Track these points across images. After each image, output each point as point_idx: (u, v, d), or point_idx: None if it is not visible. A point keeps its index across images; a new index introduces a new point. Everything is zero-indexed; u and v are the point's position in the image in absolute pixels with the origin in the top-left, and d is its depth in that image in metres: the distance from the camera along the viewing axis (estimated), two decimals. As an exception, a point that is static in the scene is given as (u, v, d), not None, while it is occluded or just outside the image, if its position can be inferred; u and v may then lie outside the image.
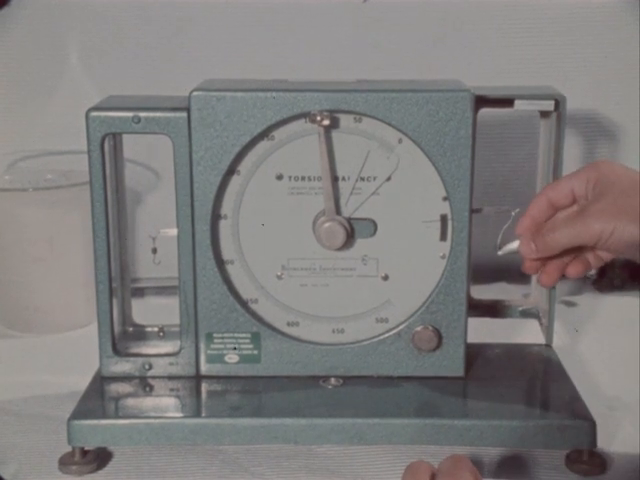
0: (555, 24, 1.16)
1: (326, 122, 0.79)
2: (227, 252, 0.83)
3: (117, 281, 0.87)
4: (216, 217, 0.82)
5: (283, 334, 0.85)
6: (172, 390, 0.84)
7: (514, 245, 0.81)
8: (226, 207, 0.82)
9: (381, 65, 1.13)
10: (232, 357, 0.85)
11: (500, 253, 0.81)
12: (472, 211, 0.81)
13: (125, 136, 0.86)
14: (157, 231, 0.84)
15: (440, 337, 0.83)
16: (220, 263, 0.83)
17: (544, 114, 0.85)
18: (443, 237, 0.83)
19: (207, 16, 1.14)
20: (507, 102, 0.81)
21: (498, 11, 1.16)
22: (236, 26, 1.14)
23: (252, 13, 1.14)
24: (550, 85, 0.85)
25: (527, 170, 1.08)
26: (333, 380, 0.84)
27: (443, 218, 0.82)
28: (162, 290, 1.15)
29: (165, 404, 0.83)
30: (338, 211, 0.82)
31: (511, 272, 1.13)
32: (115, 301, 0.85)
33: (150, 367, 0.85)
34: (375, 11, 1.14)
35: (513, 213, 0.83)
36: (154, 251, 0.84)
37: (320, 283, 0.84)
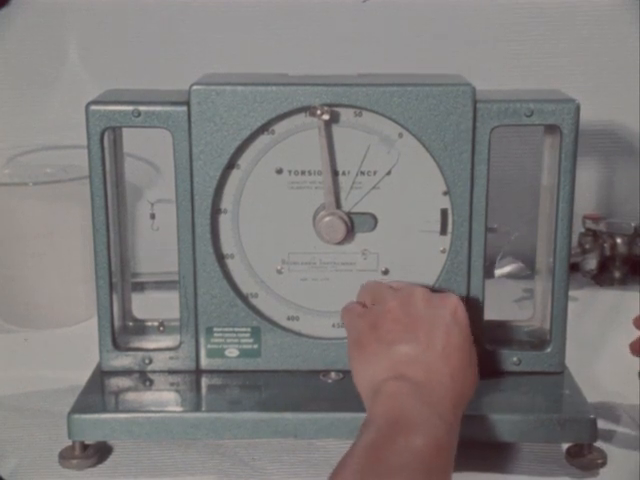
0: (554, 23, 1.16)
1: (326, 116, 0.78)
2: (227, 246, 0.83)
3: (117, 276, 0.87)
4: (216, 211, 0.82)
5: (283, 328, 0.85)
6: (172, 384, 0.84)
7: (509, 268, 0.81)
8: (226, 201, 0.82)
9: (382, 60, 1.13)
10: (232, 351, 0.85)
11: (496, 275, 0.81)
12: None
13: (125, 130, 0.86)
14: (155, 198, 0.84)
15: (440, 331, 0.83)
16: (220, 257, 0.83)
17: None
18: (443, 231, 0.83)
19: (207, 10, 1.14)
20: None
21: (498, 9, 1.16)
22: (236, 20, 1.14)
23: (252, 7, 1.14)
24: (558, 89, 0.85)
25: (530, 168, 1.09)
26: (333, 374, 0.84)
27: (443, 212, 0.82)
28: (162, 284, 1.15)
29: (165, 398, 0.83)
30: (338, 205, 0.82)
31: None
32: (115, 296, 0.85)
33: (150, 361, 0.85)
34: (375, 8, 1.14)
35: (512, 237, 0.83)
36: (152, 217, 0.84)
37: (320, 277, 0.84)
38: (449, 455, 0.67)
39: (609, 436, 0.82)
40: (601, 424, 0.80)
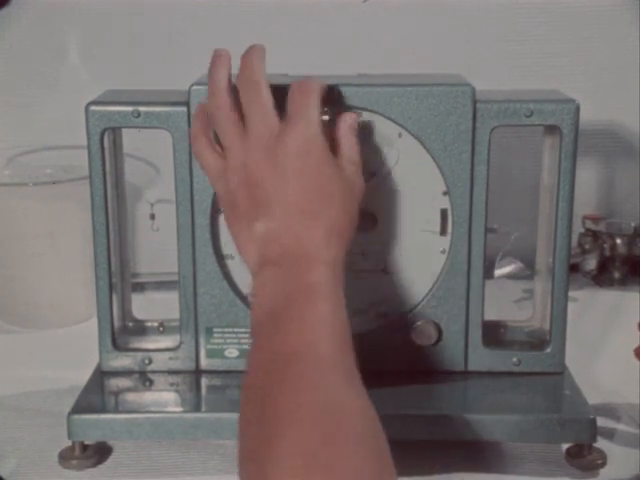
0: (554, 23, 1.16)
1: (325, 117, 0.78)
2: (227, 247, 0.83)
3: (117, 276, 0.87)
4: (216, 211, 0.82)
5: (283, 329, 0.84)
6: (172, 385, 0.84)
7: (509, 268, 0.81)
8: (226, 201, 0.82)
9: (382, 60, 1.13)
10: (232, 352, 0.85)
11: (496, 275, 0.81)
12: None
13: (125, 130, 0.86)
14: (155, 198, 0.84)
15: (440, 331, 0.83)
16: (220, 258, 0.83)
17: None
18: (443, 232, 0.83)
19: (207, 10, 1.14)
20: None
21: (498, 9, 1.16)
22: (236, 20, 1.14)
23: (252, 7, 1.14)
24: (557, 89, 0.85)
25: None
26: (333, 375, 0.84)
27: (443, 212, 0.82)
28: (162, 285, 1.15)
29: (165, 399, 0.83)
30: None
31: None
32: (115, 296, 0.85)
33: (150, 362, 0.85)
34: (375, 8, 1.14)
35: (512, 237, 0.83)
36: (152, 217, 0.84)
37: (320, 278, 0.84)
38: (338, 324, 0.65)
39: (609, 436, 0.82)
40: (601, 424, 0.79)
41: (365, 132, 0.79)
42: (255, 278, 0.69)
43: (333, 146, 0.73)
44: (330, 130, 0.74)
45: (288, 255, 0.68)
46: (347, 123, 0.75)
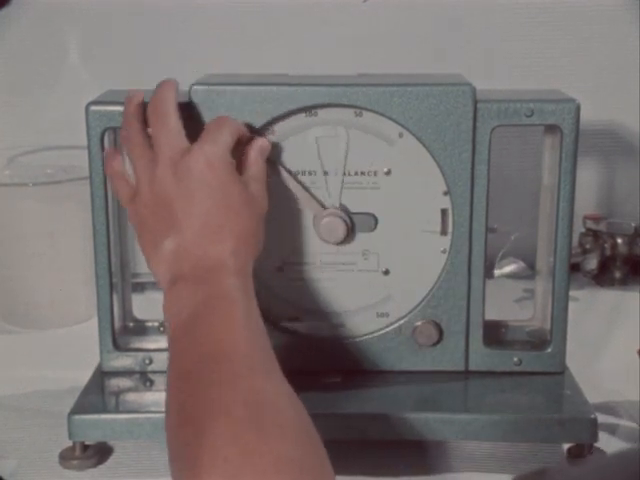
0: (554, 23, 1.16)
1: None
2: (227, 246, 0.83)
3: (117, 276, 0.87)
4: (216, 211, 0.82)
5: (283, 329, 0.84)
6: (172, 385, 0.83)
7: (510, 267, 0.81)
8: (226, 201, 0.82)
9: (382, 60, 1.13)
10: (232, 352, 0.84)
11: (496, 275, 0.81)
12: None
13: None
14: None
15: (441, 331, 0.83)
16: (220, 257, 0.83)
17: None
18: (444, 232, 0.83)
19: (207, 10, 1.14)
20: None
21: (498, 9, 1.16)
22: (236, 20, 1.15)
23: (252, 7, 1.14)
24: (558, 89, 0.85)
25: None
26: (333, 375, 0.84)
27: (444, 212, 0.82)
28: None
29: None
30: (338, 205, 0.82)
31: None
32: (115, 296, 0.85)
33: (151, 362, 0.85)
34: (375, 8, 1.15)
35: (512, 237, 0.83)
36: None
37: (321, 278, 0.84)
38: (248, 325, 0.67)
39: (610, 436, 0.82)
40: (602, 424, 0.79)
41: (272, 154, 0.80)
42: (167, 296, 0.71)
43: (240, 166, 0.76)
44: (240, 152, 0.76)
45: (198, 268, 0.70)
46: (258, 145, 0.77)
